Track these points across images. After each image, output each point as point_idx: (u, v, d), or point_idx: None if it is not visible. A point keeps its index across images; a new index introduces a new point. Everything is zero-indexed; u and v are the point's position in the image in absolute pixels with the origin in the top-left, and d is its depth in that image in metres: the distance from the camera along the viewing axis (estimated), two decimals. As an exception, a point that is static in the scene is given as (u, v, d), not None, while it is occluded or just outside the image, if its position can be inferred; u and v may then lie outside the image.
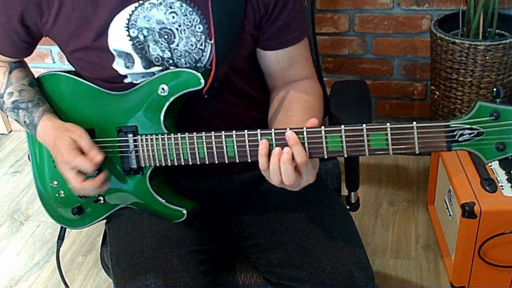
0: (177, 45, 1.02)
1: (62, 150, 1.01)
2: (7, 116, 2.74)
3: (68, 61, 1.11)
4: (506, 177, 1.58)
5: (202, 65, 1.03)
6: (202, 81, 0.98)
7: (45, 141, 1.08)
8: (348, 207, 1.30)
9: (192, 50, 1.02)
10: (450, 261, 1.72)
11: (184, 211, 1.06)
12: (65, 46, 1.05)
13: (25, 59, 1.19)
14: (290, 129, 0.89)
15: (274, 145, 0.90)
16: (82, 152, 1.02)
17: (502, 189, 1.54)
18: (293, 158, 0.88)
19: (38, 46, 1.14)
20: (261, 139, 0.91)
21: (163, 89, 1.01)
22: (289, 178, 0.89)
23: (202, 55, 1.03)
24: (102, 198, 1.13)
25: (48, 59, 2.48)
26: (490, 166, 1.63)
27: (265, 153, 0.90)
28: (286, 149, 0.88)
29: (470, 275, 1.61)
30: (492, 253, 1.55)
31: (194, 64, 1.03)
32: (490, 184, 1.55)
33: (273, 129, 0.90)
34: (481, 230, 1.51)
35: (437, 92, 1.89)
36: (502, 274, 1.59)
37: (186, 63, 1.03)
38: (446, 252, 1.76)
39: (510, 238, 1.51)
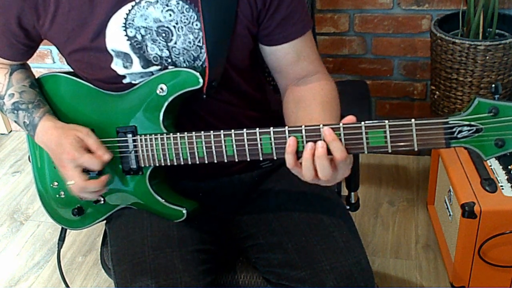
0: (175, 43, 1.01)
1: (68, 148, 1.01)
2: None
3: (67, 62, 1.10)
4: (506, 177, 1.58)
5: (201, 63, 1.03)
6: (201, 80, 0.98)
7: (45, 141, 1.07)
8: (348, 207, 1.30)
9: (190, 47, 1.02)
10: (450, 261, 1.72)
11: (184, 211, 1.06)
12: (63, 48, 1.05)
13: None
14: (305, 126, 0.87)
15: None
16: (88, 150, 1.02)
17: (502, 189, 1.54)
18: (329, 153, 0.86)
19: (38, 46, 1.15)
20: (289, 136, 0.88)
21: (161, 89, 1.01)
22: (325, 173, 0.87)
23: (200, 52, 1.02)
24: (102, 199, 1.13)
25: (48, 59, 2.48)
26: (490, 166, 1.63)
27: (292, 151, 0.88)
28: (320, 143, 0.86)
29: (470, 275, 1.61)
30: (492, 253, 1.55)
31: (192, 62, 1.03)
32: (490, 184, 1.55)
33: (271, 128, 0.90)
34: (481, 230, 1.50)
35: (437, 92, 1.89)
36: (502, 274, 1.59)
37: (184, 61, 1.03)
38: (446, 252, 1.76)
39: (510, 238, 1.51)
